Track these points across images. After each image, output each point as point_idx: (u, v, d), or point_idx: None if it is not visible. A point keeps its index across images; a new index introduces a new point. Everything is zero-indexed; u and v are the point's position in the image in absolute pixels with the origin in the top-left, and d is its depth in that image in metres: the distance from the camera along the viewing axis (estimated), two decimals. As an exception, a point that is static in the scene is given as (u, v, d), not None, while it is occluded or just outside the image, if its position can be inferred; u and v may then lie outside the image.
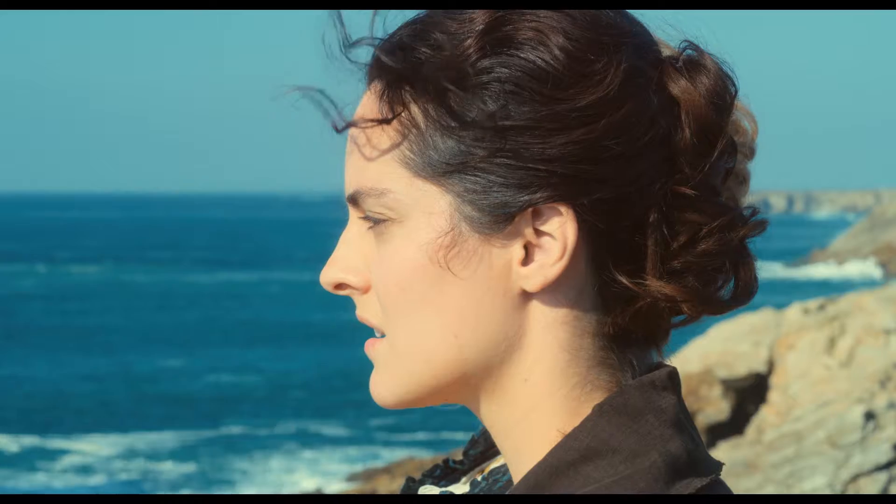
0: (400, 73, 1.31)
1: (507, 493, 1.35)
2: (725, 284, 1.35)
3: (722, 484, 1.32)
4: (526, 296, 1.31)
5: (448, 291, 1.31)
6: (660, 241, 1.30)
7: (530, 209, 1.28)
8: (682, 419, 1.32)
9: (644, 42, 1.32)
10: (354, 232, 1.38)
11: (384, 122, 1.31)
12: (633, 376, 1.34)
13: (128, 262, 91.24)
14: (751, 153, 1.81)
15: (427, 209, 1.31)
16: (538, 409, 1.33)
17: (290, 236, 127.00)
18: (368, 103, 1.34)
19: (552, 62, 1.27)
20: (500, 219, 1.29)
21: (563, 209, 1.28)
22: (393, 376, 1.36)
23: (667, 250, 1.30)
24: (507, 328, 1.31)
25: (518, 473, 1.35)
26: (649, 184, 1.29)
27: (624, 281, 1.30)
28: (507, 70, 1.27)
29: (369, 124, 1.33)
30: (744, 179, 1.79)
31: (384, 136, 1.32)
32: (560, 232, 1.29)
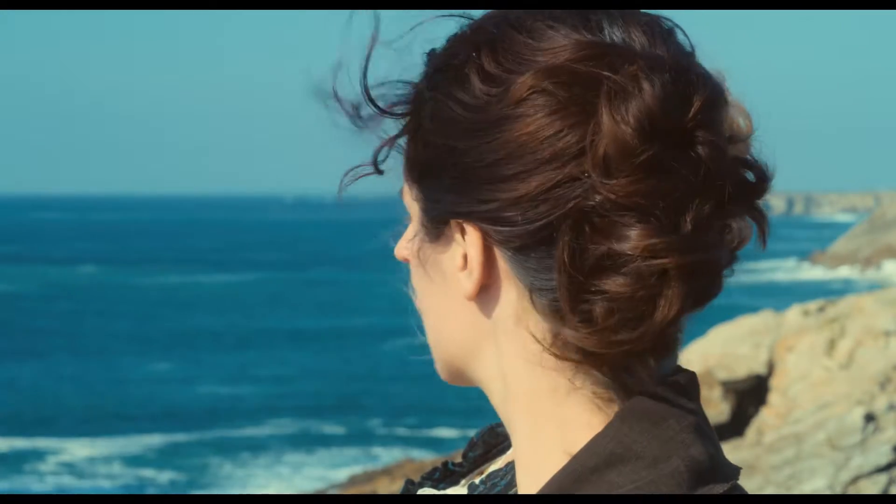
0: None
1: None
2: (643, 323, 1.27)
3: (740, 489, 1.33)
4: (473, 302, 1.36)
5: (427, 289, 1.40)
6: (571, 267, 1.27)
7: (454, 222, 1.34)
8: (703, 424, 1.32)
9: (580, 56, 1.29)
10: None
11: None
12: (638, 384, 1.33)
13: (123, 264, 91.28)
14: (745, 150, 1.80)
15: (413, 212, 1.41)
16: (520, 414, 1.36)
17: (290, 238, 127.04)
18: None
19: (468, 97, 1.32)
20: (433, 229, 1.37)
21: (467, 226, 1.32)
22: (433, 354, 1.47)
23: (582, 280, 1.27)
24: (471, 329, 1.37)
25: (518, 476, 1.39)
26: (552, 207, 1.27)
27: (543, 307, 1.31)
28: (434, 96, 1.35)
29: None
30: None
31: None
32: (470, 247, 1.33)
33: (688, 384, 1.33)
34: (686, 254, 1.25)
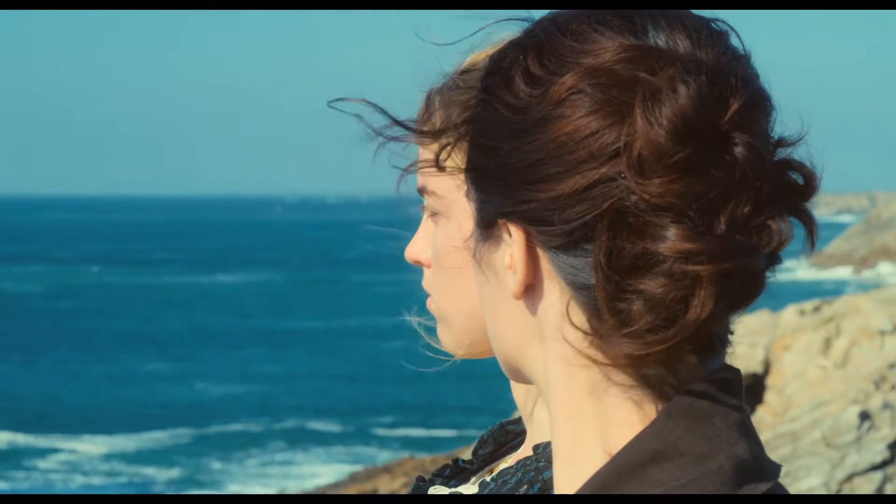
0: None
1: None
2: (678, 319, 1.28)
3: (781, 487, 1.35)
4: (521, 301, 1.36)
5: (483, 288, 1.41)
6: (607, 266, 1.28)
7: (500, 222, 1.35)
8: (747, 421, 1.32)
9: (620, 58, 1.30)
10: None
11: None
12: (664, 388, 1.32)
13: (127, 265, 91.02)
14: None
15: (471, 212, 1.42)
16: (561, 411, 1.36)
17: (292, 238, 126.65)
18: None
19: (513, 99, 1.34)
20: (484, 229, 1.37)
21: (511, 226, 1.33)
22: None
23: (619, 279, 1.28)
24: (521, 328, 1.38)
25: (556, 473, 1.39)
26: (588, 207, 1.29)
27: (584, 306, 1.32)
28: (485, 98, 1.37)
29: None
30: None
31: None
32: (514, 246, 1.34)
33: (733, 381, 1.33)
34: (719, 259, 1.26)
